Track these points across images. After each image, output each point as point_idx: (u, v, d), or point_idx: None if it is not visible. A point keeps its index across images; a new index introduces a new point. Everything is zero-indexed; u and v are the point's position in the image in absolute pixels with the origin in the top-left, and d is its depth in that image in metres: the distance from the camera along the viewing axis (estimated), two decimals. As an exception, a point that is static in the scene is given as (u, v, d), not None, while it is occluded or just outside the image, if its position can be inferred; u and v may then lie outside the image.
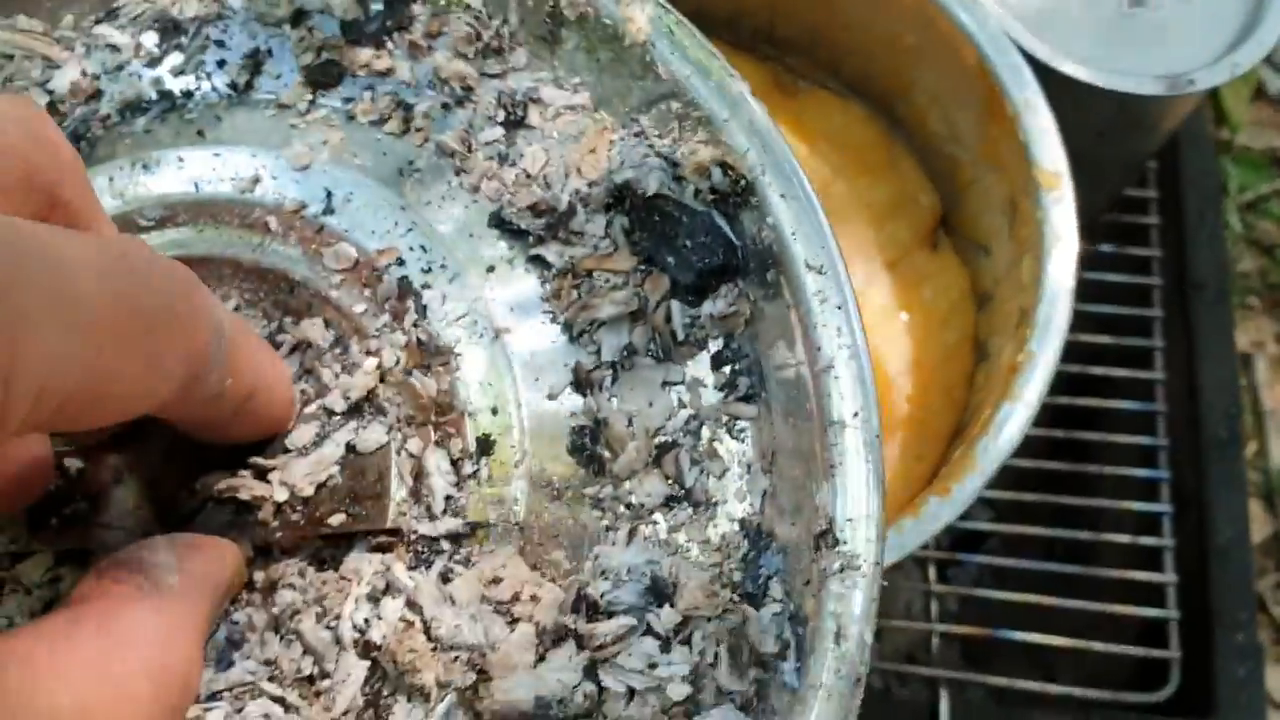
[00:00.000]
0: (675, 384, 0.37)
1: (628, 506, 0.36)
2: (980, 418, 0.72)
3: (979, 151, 0.82)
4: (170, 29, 0.42)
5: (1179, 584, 0.87)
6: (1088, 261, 0.85)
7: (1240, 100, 1.45)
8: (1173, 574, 0.88)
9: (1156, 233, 1.02)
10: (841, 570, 0.34)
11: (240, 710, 0.33)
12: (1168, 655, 0.85)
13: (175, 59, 0.41)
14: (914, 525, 0.66)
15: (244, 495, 0.34)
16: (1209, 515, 0.90)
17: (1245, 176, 1.47)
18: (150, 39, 0.42)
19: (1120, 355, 0.97)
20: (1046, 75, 0.78)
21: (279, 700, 0.33)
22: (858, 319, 0.37)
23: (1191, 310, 0.98)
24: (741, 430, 0.37)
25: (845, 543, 0.34)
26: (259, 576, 0.35)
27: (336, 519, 0.34)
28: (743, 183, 0.38)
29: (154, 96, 0.41)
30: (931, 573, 0.90)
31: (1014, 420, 0.68)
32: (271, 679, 0.33)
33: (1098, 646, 0.85)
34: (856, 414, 0.35)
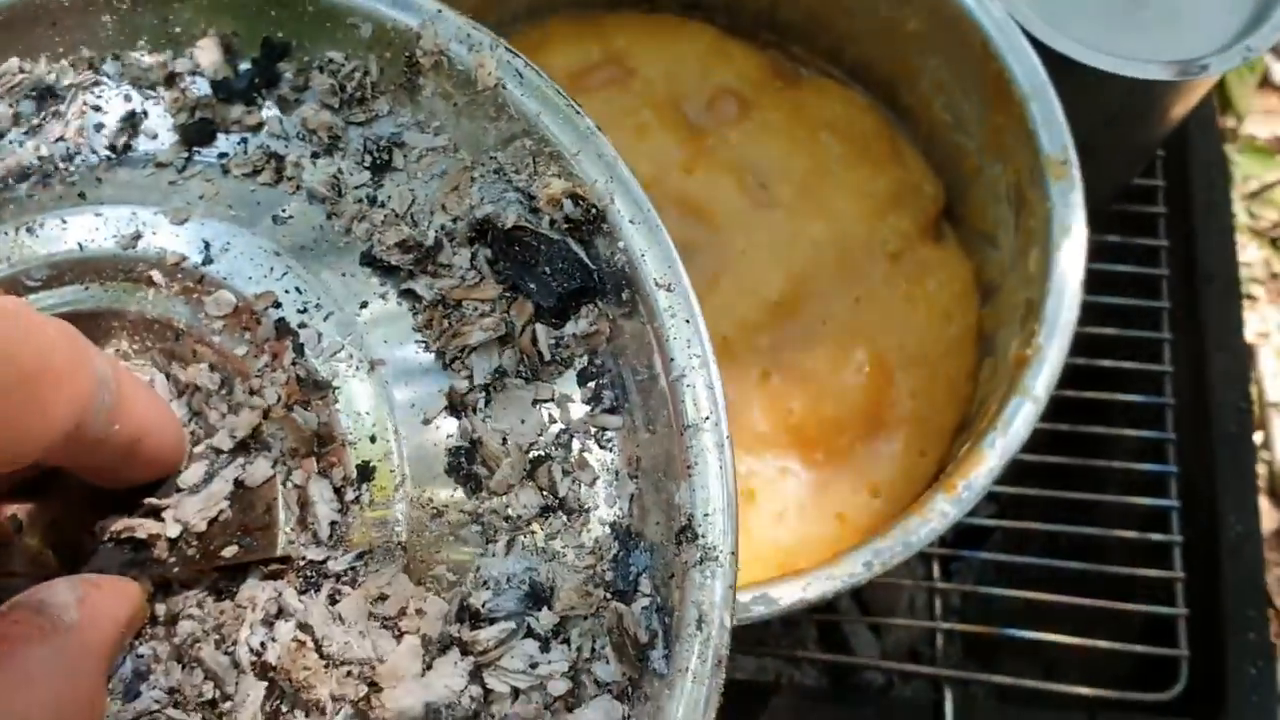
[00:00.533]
0: (545, 401, 0.41)
1: (506, 519, 0.40)
2: (987, 412, 0.73)
3: (985, 140, 0.83)
4: (47, 96, 0.45)
5: (1188, 581, 0.87)
6: (1094, 252, 0.85)
7: (1245, 88, 1.44)
8: (1181, 570, 0.88)
9: (1164, 223, 1.02)
10: (701, 561, 0.38)
11: None
12: (1177, 653, 0.85)
13: (54, 126, 0.44)
14: (921, 524, 0.66)
15: (141, 534, 0.37)
16: (1218, 511, 0.89)
17: (1250, 165, 1.48)
18: (28, 107, 0.45)
19: (1128, 347, 0.97)
20: (1054, 61, 0.79)
21: None
22: (705, 331, 0.41)
23: (1200, 302, 0.98)
24: (609, 440, 0.41)
25: (703, 536, 0.38)
26: (161, 610, 0.38)
27: (229, 551, 0.37)
28: (594, 211, 0.41)
29: (35, 162, 0.44)
30: (935, 569, 0.90)
31: (1022, 415, 0.69)
32: (176, 705, 0.36)
33: (1105, 644, 0.86)
34: (708, 417, 0.39)
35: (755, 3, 0.92)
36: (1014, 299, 0.78)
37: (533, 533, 0.39)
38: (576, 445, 0.41)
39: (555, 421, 0.41)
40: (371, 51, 0.44)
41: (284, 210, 0.43)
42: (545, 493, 0.40)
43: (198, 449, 0.39)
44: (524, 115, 0.42)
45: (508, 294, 0.41)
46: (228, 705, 0.36)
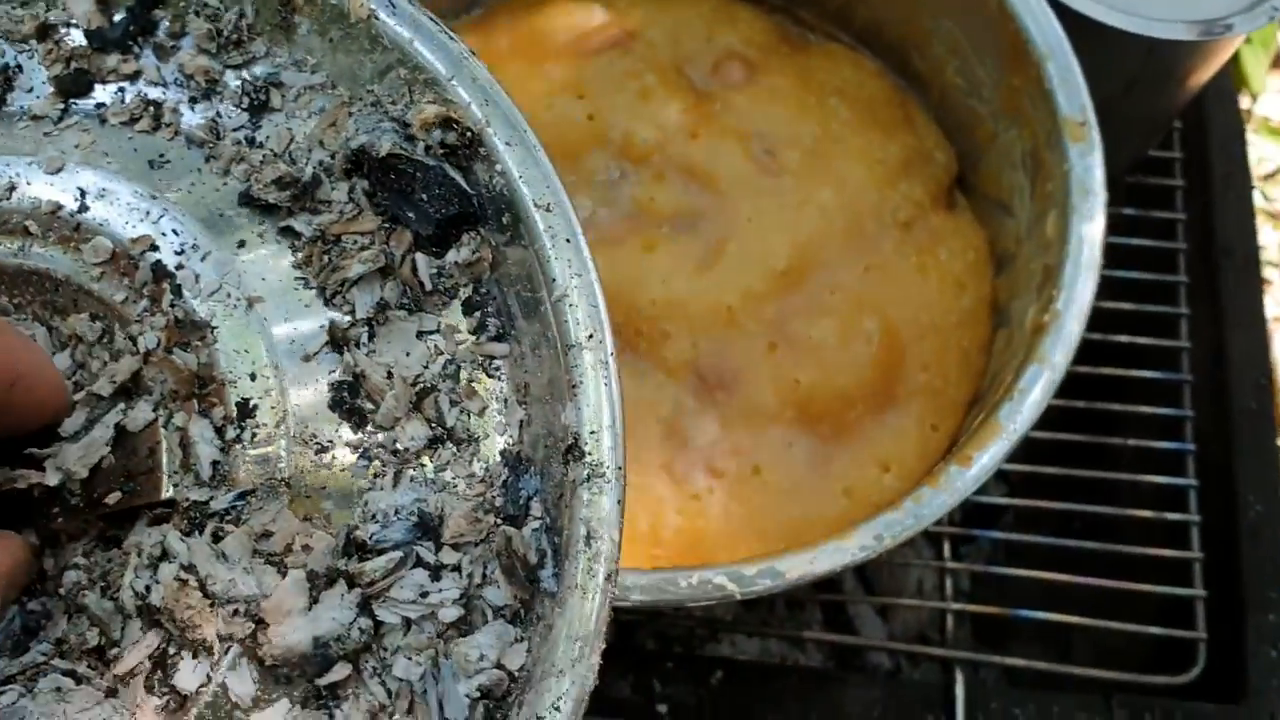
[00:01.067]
0: (430, 333, 0.42)
1: (393, 453, 0.40)
2: (1003, 383, 0.73)
3: (1000, 103, 0.82)
4: None
5: (1205, 561, 0.86)
6: (1110, 225, 0.83)
7: (1260, 66, 1.42)
8: (1199, 551, 0.87)
9: (1181, 195, 1.02)
10: (589, 479, 0.39)
11: (31, 691, 0.36)
12: (1194, 636, 0.84)
13: None
14: (933, 495, 0.65)
15: (21, 485, 0.38)
16: (1237, 490, 0.88)
17: (1265, 147, 1.49)
18: None
19: (1144, 322, 0.96)
20: (1072, 21, 0.78)
21: (69, 673, 0.37)
22: (586, 250, 0.41)
23: (1219, 276, 0.97)
24: (497, 368, 0.42)
25: (590, 453, 0.39)
26: (50, 565, 0.38)
27: (113, 497, 0.38)
28: (469, 134, 0.42)
29: None
30: (946, 549, 0.88)
31: (1040, 384, 0.68)
32: (62, 655, 0.37)
33: (1119, 626, 0.85)
34: (591, 335, 0.40)
35: None
36: (1030, 267, 0.77)
37: (421, 465, 0.40)
38: (464, 375, 0.41)
39: (441, 353, 0.41)
40: None
41: (162, 156, 0.43)
42: (433, 424, 0.41)
43: (77, 397, 0.39)
44: (397, 44, 0.43)
45: (387, 225, 0.42)
46: (114, 651, 0.37)
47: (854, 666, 1.02)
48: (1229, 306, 0.95)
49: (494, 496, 0.40)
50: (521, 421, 0.41)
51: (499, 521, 0.39)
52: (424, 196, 0.41)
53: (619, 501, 0.39)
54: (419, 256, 0.41)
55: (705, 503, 0.74)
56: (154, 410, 0.39)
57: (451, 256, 0.42)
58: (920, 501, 0.64)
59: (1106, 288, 0.85)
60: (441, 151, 0.42)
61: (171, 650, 0.37)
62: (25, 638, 0.37)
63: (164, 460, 0.38)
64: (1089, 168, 0.72)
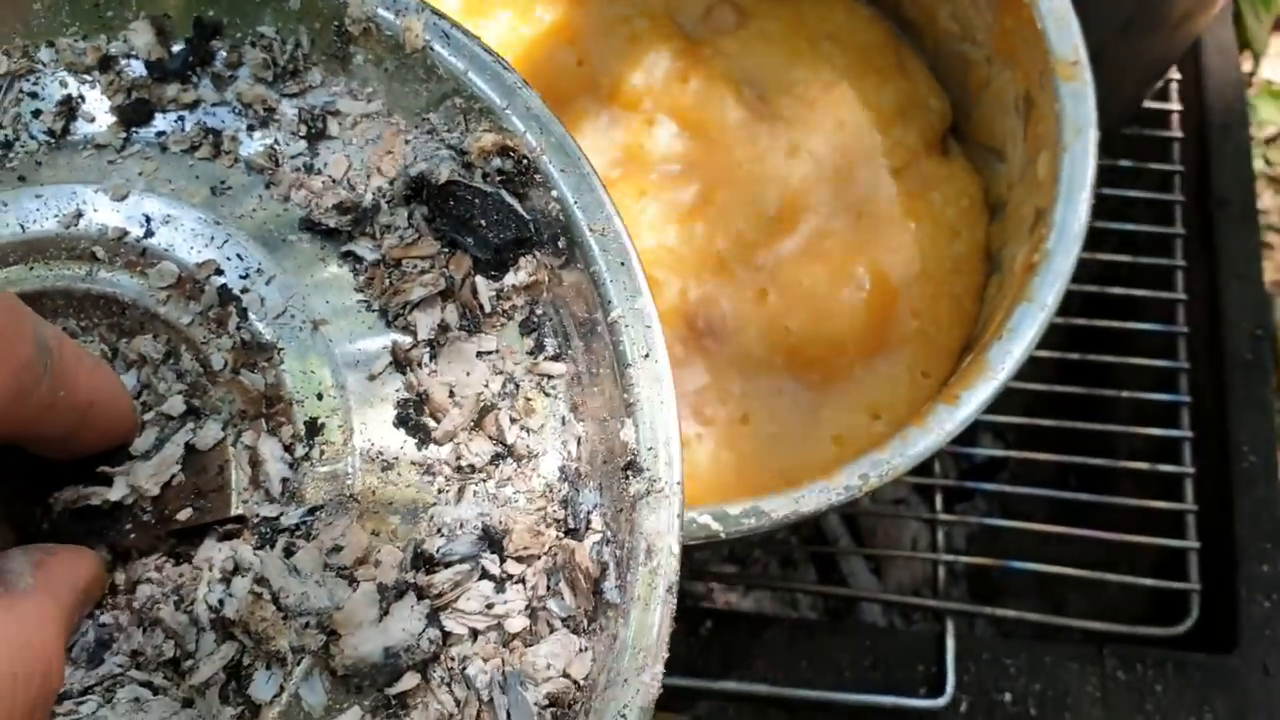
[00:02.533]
0: (489, 353, 0.44)
1: (456, 468, 0.43)
2: (995, 321, 0.74)
3: (993, 46, 0.84)
4: None
5: (1199, 513, 0.89)
6: (1107, 178, 0.85)
7: (1262, 29, 1.44)
8: (1192, 503, 0.90)
9: (1178, 147, 1.04)
10: (648, 494, 0.41)
11: (110, 700, 0.38)
12: (1187, 587, 0.88)
13: None
14: (920, 435, 0.67)
15: (95, 501, 0.40)
16: (1231, 440, 0.92)
17: (1267, 110, 1.50)
18: None
19: (1140, 275, 0.99)
20: None
21: (146, 684, 0.39)
22: (640, 272, 0.44)
23: (1215, 228, 0.99)
24: (554, 386, 0.44)
25: (647, 469, 0.42)
26: (121, 579, 0.40)
27: (184, 514, 0.40)
28: (525, 162, 0.45)
29: None
30: (939, 501, 0.90)
31: (1030, 322, 0.69)
32: (138, 666, 0.39)
33: (1113, 578, 0.88)
34: (646, 355, 0.43)
35: None
36: (1022, 211, 0.79)
37: (484, 480, 0.43)
38: (523, 393, 0.44)
39: (500, 372, 0.44)
40: (301, 23, 0.47)
41: (223, 182, 0.45)
42: (494, 441, 0.43)
43: (148, 417, 0.41)
44: (452, 74, 0.46)
45: (446, 249, 0.44)
46: (189, 663, 0.39)
47: (846, 622, 1.04)
48: (1224, 258, 0.97)
49: (555, 510, 0.42)
50: (579, 437, 0.44)
51: (561, 535, 0.42)
52: (482, 222, 0.44)
53: (678, 515, 0.41)
54: (478, 279, 0.44)
55: (693, 449, 0.77)
56: (223, 429, 0.41)
57: (509, 279, 0.44)
58: (906, 440, 0.65)
59: (1103, 239, 0.87)
60: (499, 178, 0.44)
61: (246, 661, 0.39)
62: (99, 650, 0.39)
63: (233, 478, 0.40)
64: (1081, 105, 0.74)
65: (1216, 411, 0.93)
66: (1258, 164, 1.48)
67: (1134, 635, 0.86)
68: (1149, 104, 1.04)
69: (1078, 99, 0.73)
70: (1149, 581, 0.87)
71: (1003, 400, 0.69)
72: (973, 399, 0.66)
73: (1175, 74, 1.05)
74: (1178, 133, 1.04)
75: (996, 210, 0.85)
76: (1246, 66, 1.50)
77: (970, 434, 0.84)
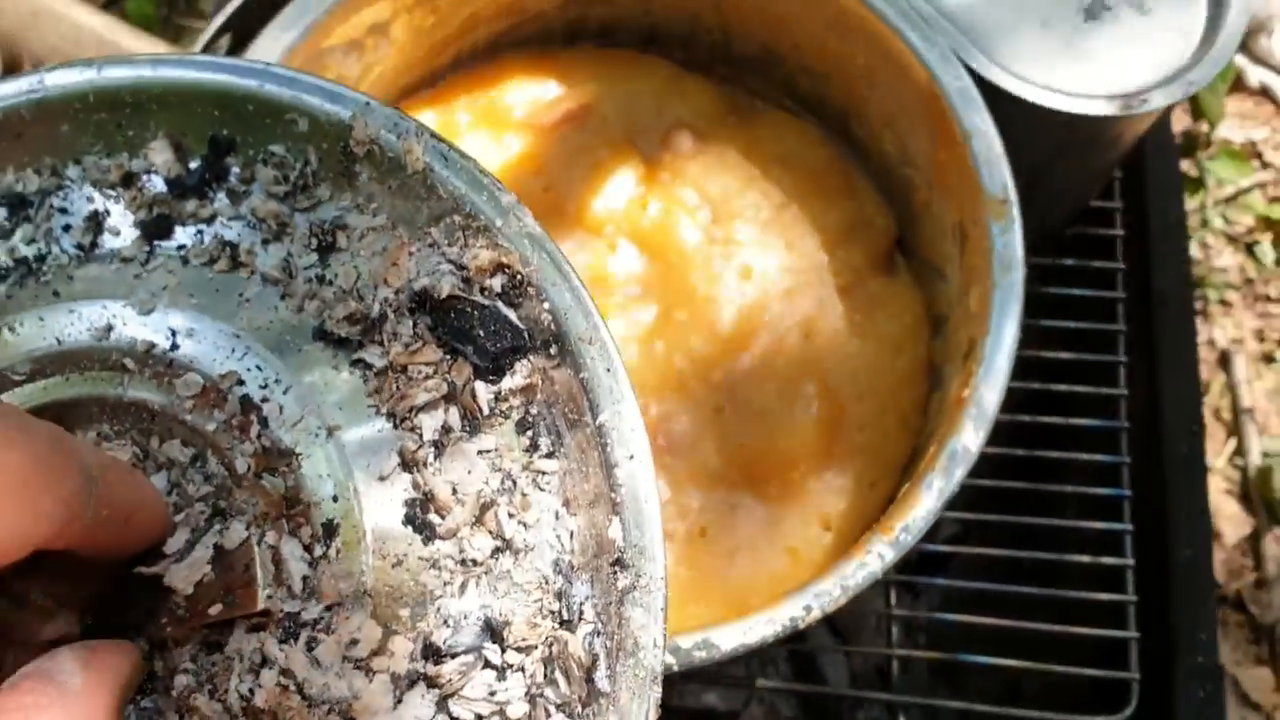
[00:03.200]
0: (488, 451, 0.47)
1: (460, 563, 0.46)
2: (927, 453, 0.78)
3: (931, 175, 0.89)
4: (17, 203, 0.50)
5: (1139, 604, 0.93)
6: (1052, 276, 0.89)
7: (1216, 95, 1.49)
8: (1133, 594, 0.93)
9: (1120, 244, 1.08)
10: (633, 589, 0.45)
11: None
12: (1128, 676, 0.91)
13: (26, 229, 0.50)
14: (858, 567, 0.72)
15: (140, 602, 0.43)
16: (1170, 535, 0.95)
17: (1225, 170, 1.54)
18: (1, 214, 0.50)
19: (1084, 371, 1.02)
20: (998, 94, 0.84)
21: None
22: (625, 377, 0.47)
23: (1155, 326, 1.03)
24: (548, 482, 0.47)
25: (632, 565, 0.45)
26: (159, 667, 0.43)
27: (215, 609, 0.43)
28: (519, 277, 0.48)
29: (10, 264, 0.49)
30: (892, 596, 0.95)
31: (960, 457, 0.75)
32: None
33: (1059, 668, 0.92)
34: (631, 456, 0.46)
35: (709, 37, 0.98)
36: (958, 335, 0.84)
37: (485, 573, 0.46)
38: (519, 490, 0.47)
39: (499, 469, 0.47)
40: (310, 143, 0.50)
41: (241, 294, 0.48)
42: (494, 535, 0.46)
43: (178, 518, 0.44)
44: (451, 194, 0.49)
45: (448, 357, 0.47)
46: None
47: (815, 708, 1.09)
48: (1163, 355, 1.01)
49: (550, 602, 0.46)
50: (572, 531, 0.47)
51: (556, 626, 0.45)
52: (481, 332, 0.47)
53: (661, 609, 0.44)
54: (478, 384, 0.47)
55: None
56: (247, 529, 0.44)
57: (506, 383, 0.47)
58: (845, 574, 0.70)
59: (1049, 337, 0.92)
60: (495, 292, 0.48)
61: None
62: None
63: (259, 575, 0.43)
64: (1009, 244, 0.78)
65: (1156, 505, 0.96)
66: (1217, 222, 1.52)
67: (1078, 724, 0.90)
68: (1093, 202, 1.08)
69: (1007, 237, 0.78)
70: (1091, 672, 0.90)
71: (954, 495, 0.73)
72: (908, 531, 0.71)
73: (1118, 171, 1.08)
74: (1120, 230, 1.07)
75: (939, 325, 0.89)
76: (1204, 128, 1.55)
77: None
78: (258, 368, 0.47)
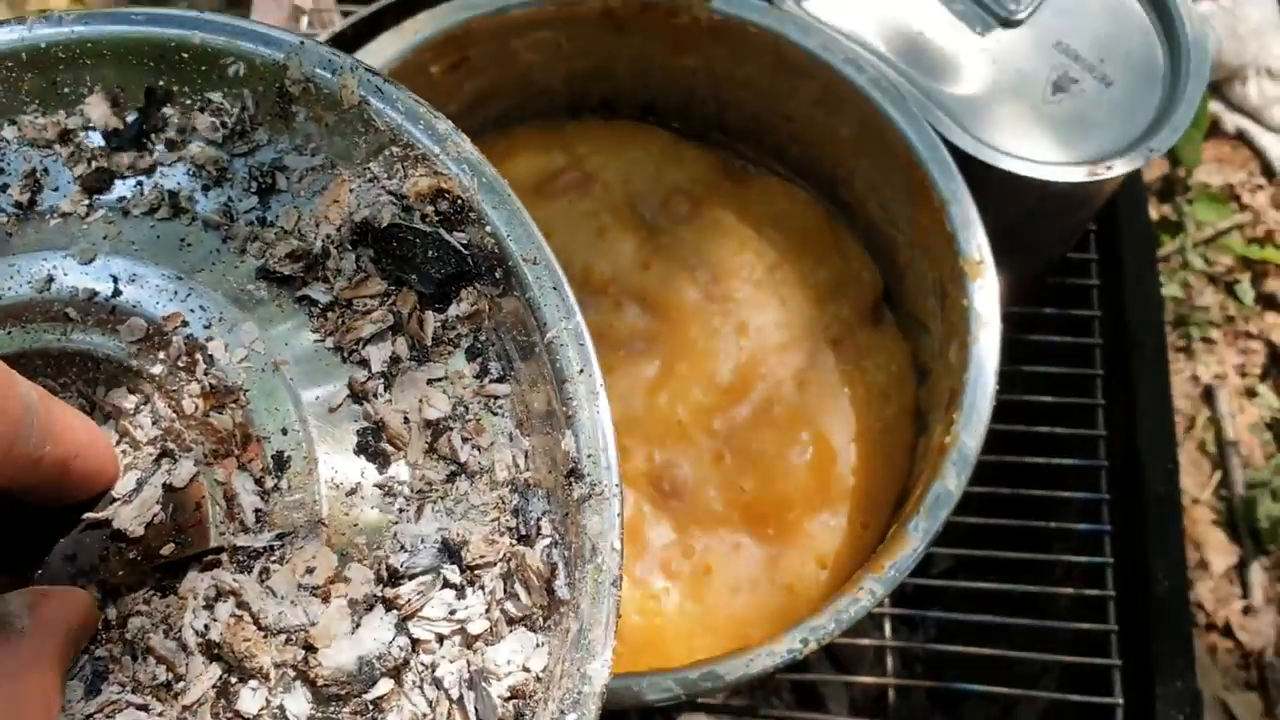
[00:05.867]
0: (439, 379, 0.47)
1: (415, 489, 0.45)
2: (914, 495, 0.80)
3: (913, 236, 0.91)
4: None
5: (1120, 633, 0.95)
6: (1032, 324, 0.94)
7: (1193, 144, 1.53)
8: (1115, 623, 0.95)
9: (1097, 294, 1.10)
10: (589, 497, 0.44)
11: None
12: (1112, 701, 0.93)
13: None
14: (851, 602, 0.73)
15: (86, 545, 0.42)
16: (1149, 567, 0.96)
17: (1204, 213, 1.56)
18: None
19: (1065, 413, 1.04)
20: (974, 163, 0.87)
21: (141, 707, 0.41)
22: (570, 294, 0.47)
23: (1131, 368, 1.05)
24: (500, 406, 0.47)
25: (588, 475, 0.45)
26: (112, 614, 0.42)
27: (167, 549, 0.42)
28: (459, 201, 0.47)
29: None
30: (887, 628, 1.00)
31: (944, 500, 0.77)
32: (134, 692, 0.41)
33: (1045, 695, 0.95)
34: (581, 370, 0.46)
35: (704, 108, 1.00)
36: (940, 386, 0.85)
37: (441, 497, 0.45)
38: (472, 415, 0.46)
39: (450, 396, 0.46)
40: (246, 87, 0.50)
41: (184, 240, 0.48)
42: (448, 460, 0.45)
43: (127, 462, 0.43)
44: (388, 126, 0.48)
45: (393, 287, 0.47)
46: (180, 685, 0.41)
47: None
48: (1139, 399, 1.03)
49: (507, 520, 0.45)
50: (526, 451, 0.46)
51: (514, 541, 0.44)
52: (423, 260, 0.46)
53: (618, 514, 0.44)
54: (424, 313, 0.46)
55: (662, 602, 0.82)
56: (195, 467, 0.43)
57: (453, 310, 0.47)
58: (839, 609, 0.71)
59: (1031, 382, 0.95)
60: (436, 219, 0.47)
61: (232, 680, 0.41)
62: (96, 681, 0.41)
63: (210, 512, 0.42)
64: (986, 303, 0.80)
65: (1136, 539, 0.97)
66: (1198, 263, 1.53)
67: (1065, 749, 0.92)
68: (1070, 254, 1.10)
69: (983, 295, 0.80)
70: (1077, 698, 0.92)
71: (944, 533, 0.75)
72: (897, 569, 0.73)
73: (1092, 225, 1.11)
74: (1095, 280, 1.09)
75: (924, 374, 0.90)
76: (1181, 173, 1.60)
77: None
78: (202, 308, 0.46)
